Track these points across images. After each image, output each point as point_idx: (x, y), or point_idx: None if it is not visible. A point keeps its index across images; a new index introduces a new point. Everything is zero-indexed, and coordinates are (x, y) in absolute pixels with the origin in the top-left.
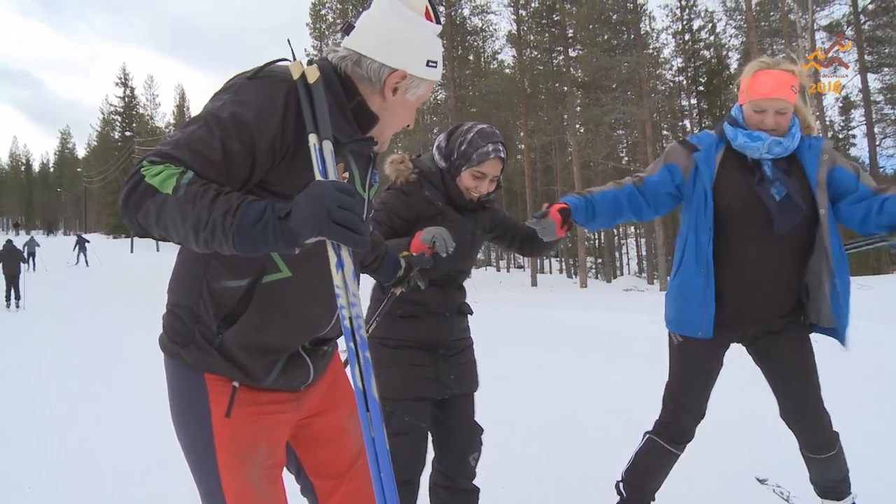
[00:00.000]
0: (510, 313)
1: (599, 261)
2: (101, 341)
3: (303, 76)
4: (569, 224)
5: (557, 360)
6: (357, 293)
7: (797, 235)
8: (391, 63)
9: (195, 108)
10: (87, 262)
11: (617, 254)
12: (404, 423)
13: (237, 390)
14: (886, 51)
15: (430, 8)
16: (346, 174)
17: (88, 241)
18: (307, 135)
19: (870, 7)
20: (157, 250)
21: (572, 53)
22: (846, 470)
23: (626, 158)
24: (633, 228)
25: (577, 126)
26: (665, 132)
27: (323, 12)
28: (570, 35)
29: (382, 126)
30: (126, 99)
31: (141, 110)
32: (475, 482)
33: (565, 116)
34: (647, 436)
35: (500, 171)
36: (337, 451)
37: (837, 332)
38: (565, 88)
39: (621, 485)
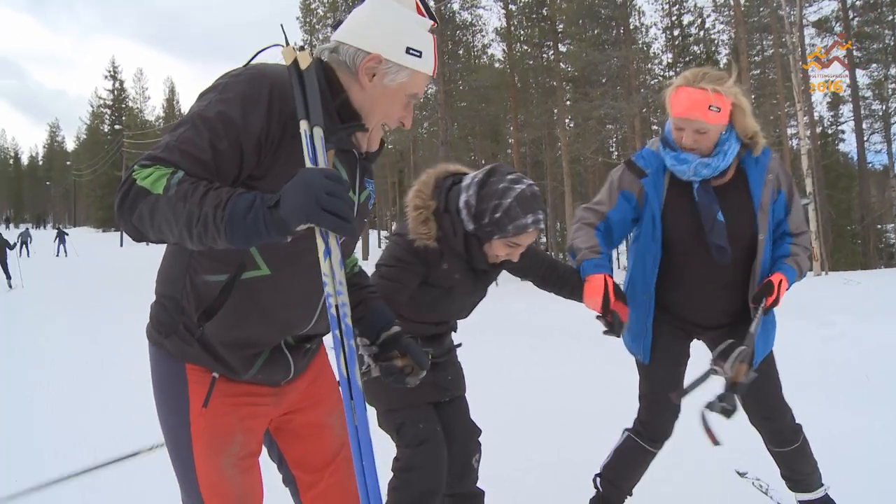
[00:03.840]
0: (495, 307)
1: None
2: (102, 328)
3: (295, 62)
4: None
5: (545, 356)
6: (343, 281)
7: (740, 258)
8: (365, 46)
9: (184, 102)
10: (66, 252)
11: None
12: (420, 430)
13: (216, 381)
14: (874, 46)
15: (419, 3)
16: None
17: (67, 234)
18: (290, 128)
19: (858, 3)
20: (147, 245)
21: (562, 48)
22: (814, 462)
23: (616, 153)
24: None
25: (567, 121)
26: (655, 126)
27: (313, 6)
28: (559, 30)
29: (367, 117)
30: (115, 92)
31: (130, 104)
32: (479, 485)
33: (555, 111)
34: (626, 434)
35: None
36: (317, 446)
37: (757, 353)
38: (555, 83)
39: (598, 479)
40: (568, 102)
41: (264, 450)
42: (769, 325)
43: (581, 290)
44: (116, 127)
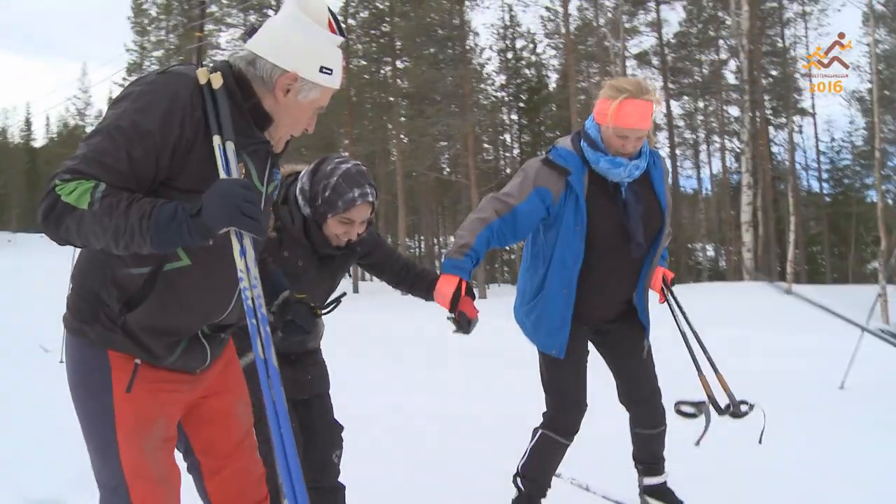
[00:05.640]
0: (335, 317)
1: None
2: None
3: (209, 82)
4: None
5: (383, 364)
6: (258, 276)
7: (645, 252)
8: (283, 65)
9: None
10: None
11: (437, 262)
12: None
13: (139, 367)
14: (686, 81)
15: (332, 20)
16: (244, 170)
17: None
18: (203, 133)
19: (673, 41)
20: None
21: (399, 65)
22: (664, 447)
23: (448, 170)
24: (452, 238)
25: (402, 136)
26: (486, 145)
27: (145, 7)
28: (397, 47)
29: (276, 126)
30: None
31: None
32: (340, 480)
33: (390, 126)
34: (539, 432)
35: (371, 213)
36: (224, 432)
37: (646, 331)
38: (391, 99)
39: (519, 479)
40: (403, 118)
41: None
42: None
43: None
44: None
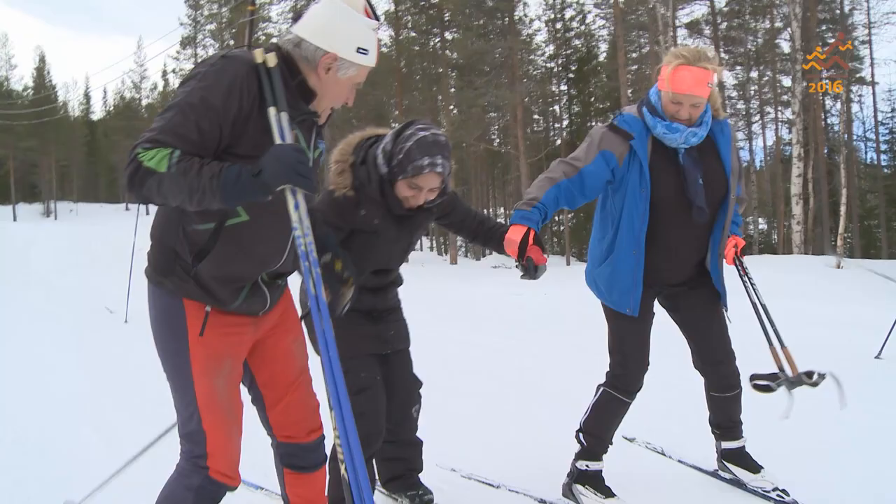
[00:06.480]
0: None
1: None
2: None
3: (264, 62)
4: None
5: (431, 326)
6: (310, 226)
7: (710, 217)
8: (324, 46)
9: (57, 72)
10: None
11: None
12: (361, 378)
13: (209, 314)
14: (740, 50)
15: (368, 6)
16: (295, 138)
17: None
18: (258, 107)
19: (725, 9)
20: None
21: (448, 36)
22: (741, 411)
23: (498, 140)
24: (502, 209)
25: (451, 107)
26: (536, 116)
27: None
28: (446, 18)
29: (319, 100)
30: None
31: None
32: (417, 435)
33: (440, 98)
34: (602, 389)
35: (442, 183)
36: (284, 368)
37: (723, 298)
38: (440, 70)
39: (581, 434)
40: (452, 89)
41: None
42: (721, 270)
43: None
44: None
